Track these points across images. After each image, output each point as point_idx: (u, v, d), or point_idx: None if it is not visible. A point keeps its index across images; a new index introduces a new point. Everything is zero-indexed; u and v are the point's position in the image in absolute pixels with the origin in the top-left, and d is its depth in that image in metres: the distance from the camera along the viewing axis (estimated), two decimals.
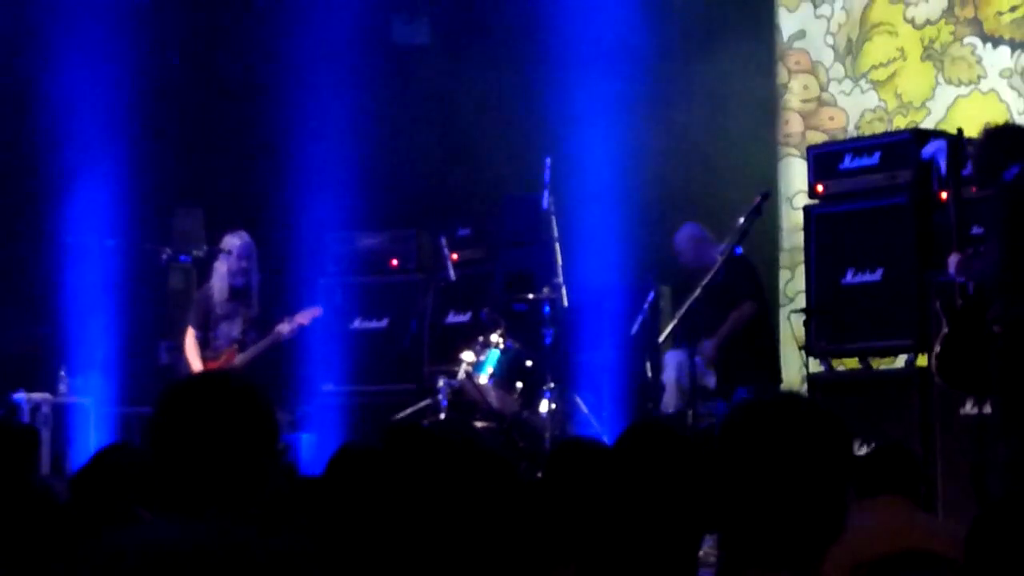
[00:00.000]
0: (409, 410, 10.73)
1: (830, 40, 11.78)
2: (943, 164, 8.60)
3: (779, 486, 2.38)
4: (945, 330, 8.17)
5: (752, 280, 10.28)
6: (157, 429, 3.03)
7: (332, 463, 3.41)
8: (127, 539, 1.67)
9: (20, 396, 11.11)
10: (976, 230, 8.49)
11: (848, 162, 9.54)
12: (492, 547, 2.34)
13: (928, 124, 10.78)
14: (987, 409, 8.21)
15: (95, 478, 4.24)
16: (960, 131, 8.52)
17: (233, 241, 10.61)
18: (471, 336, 10.67)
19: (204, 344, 10.64)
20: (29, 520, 3.89)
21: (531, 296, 10.75)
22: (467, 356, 10.32)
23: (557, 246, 10.64)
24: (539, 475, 4.47)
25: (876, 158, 9.40)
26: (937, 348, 8.20)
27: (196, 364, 10.58)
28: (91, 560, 1.65)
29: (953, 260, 8.12)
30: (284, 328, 10.55)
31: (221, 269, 10.65)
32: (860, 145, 9.64)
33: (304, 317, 10.64)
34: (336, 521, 2.83)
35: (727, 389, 9.99)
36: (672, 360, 10.25)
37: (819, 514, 2.41)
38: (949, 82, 11.13)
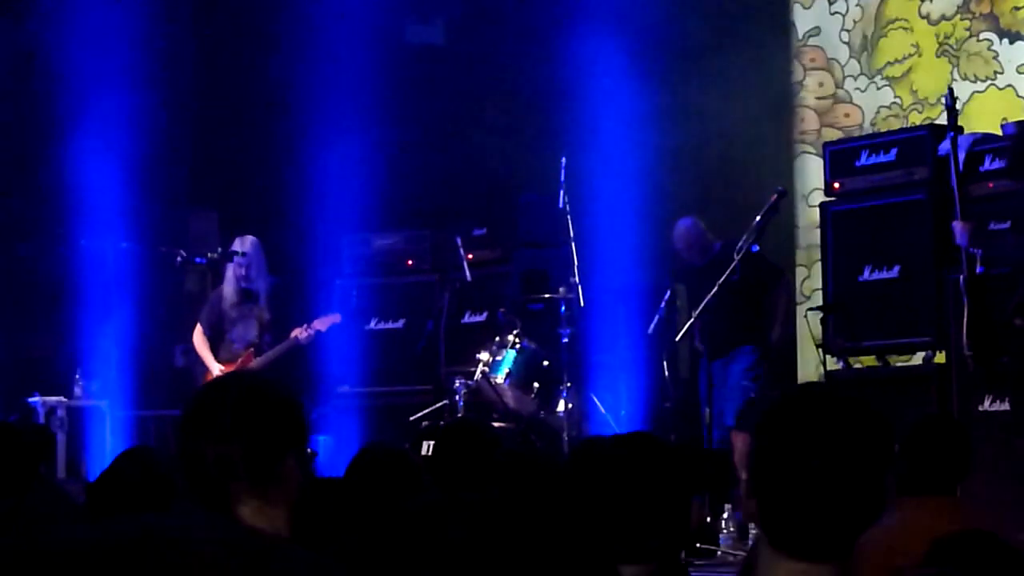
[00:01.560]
0: (426, 411, 10.71)
1: (845, 37, 11.74)
2: (961, 160, 8.55)
3: (822, 474, 2.36)
4: (967, 307, 8.07)
5: (772, 266, 10.25)
6: (188, 429, 2.99)
7: (353, 464, 3.39)
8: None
9: (35, 400, 11.12)
10: (994, 225, 8.45)
11: (864, 159, 9.50)
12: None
13: (944, 120, 10.70)
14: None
15: (114, 481, 4.21)
16: (950, 89, 8.50)
17: (236, 246, 10.62)
18: (487, 336, 10.65)
19: (220, 346, 10.64)
20: (44, 522, 3.86)
21: (547, 296, 10.73)
22: (483, 356, 10.29)
23: (573, 245, 10.62)
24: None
25: (893, 154, 9.36)
26: (965, 329, 8.10)
27: (208, 358, 10.57)
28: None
29: (959, 227, 8.04)
30: (301, 334, 10.54)
31: (230, 272, 10.65)
32: (877, 142, 9.60)
33: (322, 323, 10.64)
34: (359, 521, 2.80)
35: (726, 348, 10.00)
36: None
37: (861, 504, 2.39)
38: (965, 78, 11.08)
